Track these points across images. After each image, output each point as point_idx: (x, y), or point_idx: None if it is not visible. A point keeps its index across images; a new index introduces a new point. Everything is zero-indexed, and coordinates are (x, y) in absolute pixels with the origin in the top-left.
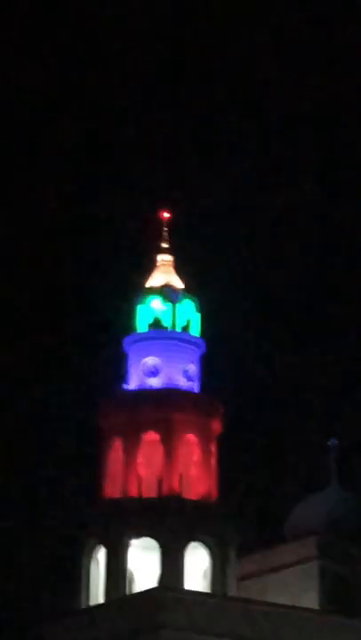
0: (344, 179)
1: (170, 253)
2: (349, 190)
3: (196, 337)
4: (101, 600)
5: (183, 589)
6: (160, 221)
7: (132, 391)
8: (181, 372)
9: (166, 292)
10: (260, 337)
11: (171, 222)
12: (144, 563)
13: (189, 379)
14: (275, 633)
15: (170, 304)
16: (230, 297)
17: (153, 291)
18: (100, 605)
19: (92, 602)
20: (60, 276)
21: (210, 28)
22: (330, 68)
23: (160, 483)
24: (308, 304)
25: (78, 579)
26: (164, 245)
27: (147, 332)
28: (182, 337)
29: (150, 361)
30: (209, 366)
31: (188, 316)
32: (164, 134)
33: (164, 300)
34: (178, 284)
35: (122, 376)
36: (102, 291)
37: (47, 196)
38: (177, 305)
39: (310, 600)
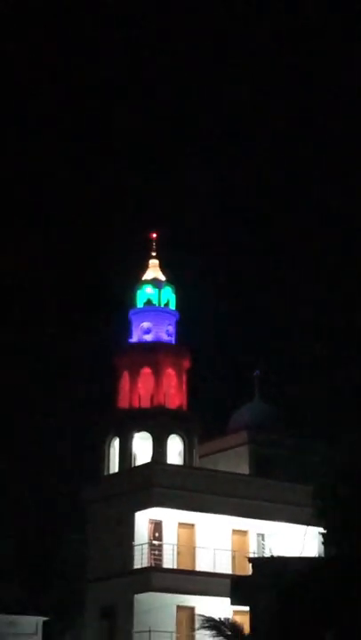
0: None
1: (157, 258)
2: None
3: (173, 310)
4: (116, 470)
5: (166, 463)
6: (150, 239)
7: (134, 343)
8: (165, 332)
9: (155, 282)
10: (216, 309)
11: (157, 239)
12: (142, 447)
13: (169, 335)
14: (221, 487)
15: (157, 290)
16: (195, 286)
17: (146, 282)
18: (115, 474)
19: (111, 471)
20: (88, 275)
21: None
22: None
23: (152, 398)
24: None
25: (102, 457)
26: (153, 254)
27: (143, 307)
28: (165, 310)
29: (145, 325)
30: (181, 327)
31: (168, 297)
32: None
33: (153, 287)
34: (162, 277)
35: (128, 334)
36: (116, 282)
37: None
38: (161, 290)
39: (243, 469)
